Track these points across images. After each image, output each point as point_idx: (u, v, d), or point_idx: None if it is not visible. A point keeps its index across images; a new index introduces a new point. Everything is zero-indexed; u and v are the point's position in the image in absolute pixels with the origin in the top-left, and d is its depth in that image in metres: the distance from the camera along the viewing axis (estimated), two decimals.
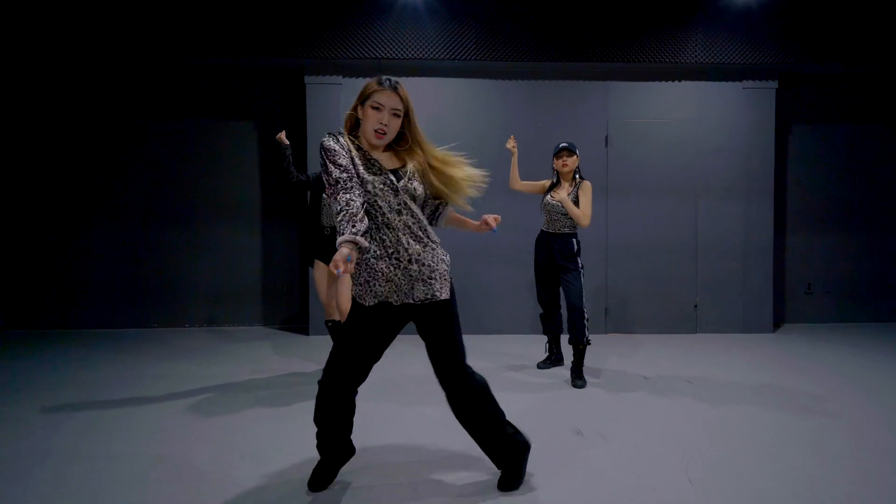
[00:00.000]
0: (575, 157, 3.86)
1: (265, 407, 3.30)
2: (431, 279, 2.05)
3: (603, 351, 4.78)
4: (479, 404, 2.15)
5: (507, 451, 2.21)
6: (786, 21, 5.38)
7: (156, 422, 3.05)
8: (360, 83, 5.40)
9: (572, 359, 3.83)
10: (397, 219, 2.04)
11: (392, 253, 2.03)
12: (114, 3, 5.12)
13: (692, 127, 5.57)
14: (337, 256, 1.76)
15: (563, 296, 4.07)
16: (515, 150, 4.00)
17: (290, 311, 5.99)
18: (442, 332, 2.09)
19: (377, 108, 1.99)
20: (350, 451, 2.29)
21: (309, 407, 3.22)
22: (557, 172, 3.94)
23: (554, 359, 4.25)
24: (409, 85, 5.62)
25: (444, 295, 2.08)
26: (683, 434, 2.87)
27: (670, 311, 5.59)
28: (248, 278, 5.95)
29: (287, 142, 4.07)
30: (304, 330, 5.69)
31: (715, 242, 5.60)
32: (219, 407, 3.29)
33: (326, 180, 1.97)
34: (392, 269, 2.04)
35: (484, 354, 4.62)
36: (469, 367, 2.15)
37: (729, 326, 5.60)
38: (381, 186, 2.01)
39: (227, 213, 5.91)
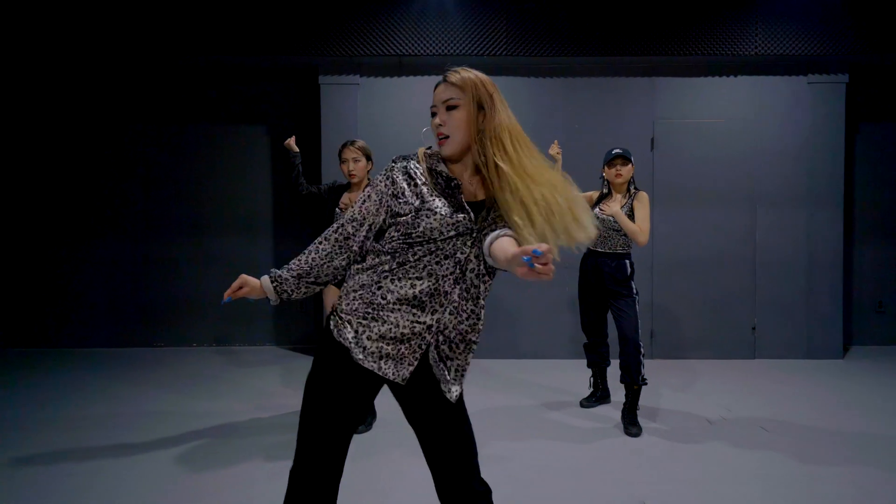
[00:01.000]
0: (630, 165, 3.31)
1: (264, 459, 2.82)
2: (455, 376, 1.49)
3: (653, 382, 4.21)
4: None
5: None
6: (857, 6, 4.75)
7: (141, 477, 2.59)
8: (378, 82, 4.95)
9: (625, 401, 3.28)
10: (451, 277, 1.45)
11: (420, 310, 1.45)
12: (121, 2, 4.73)
13: (750, 127, 4.97)
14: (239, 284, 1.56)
15: (610, 323, 3.54)
16: (560, 157, 3.45)
17: (305, 330, 5.54)
18: (455, 428, 1.50)
19: (434, 114, 1.51)
20: None
21: None
22: (608, 182, 3.39)
23: (600, 395, 3.71)
24: (432, 84, 5.13)
25: (458, 392, 1.52)
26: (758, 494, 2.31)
27: (725, 335, 4.99)
28: None
29: (296, 149, 3.61)
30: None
31: (776, 257, 4.99)
32: (215, 459, 2.83)
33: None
34: (409, 330, 1.46)
35: (517, 385, 4.09)
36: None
37: (792, 351, 4.98)
38: (451, 231, 1.43)
39: (236, 224, 5.49)
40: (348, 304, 1.50)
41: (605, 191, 3.44)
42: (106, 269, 5.42)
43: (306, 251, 1.54)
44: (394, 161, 1.53)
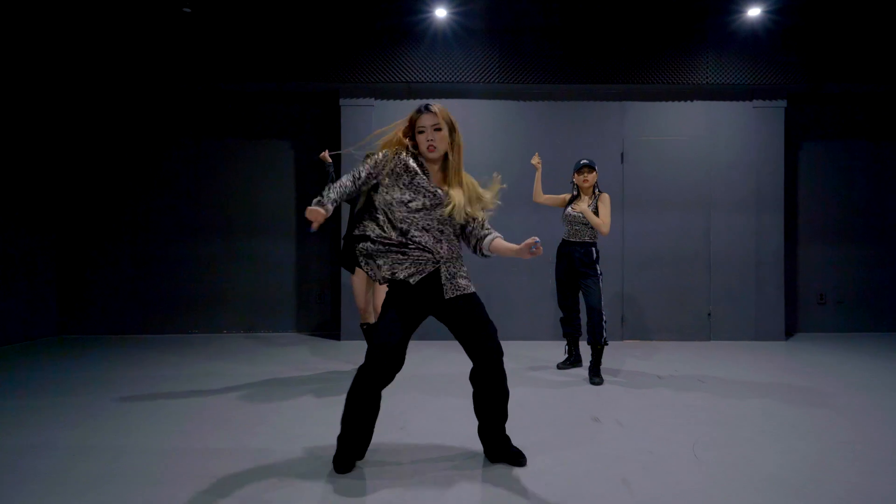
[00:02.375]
0: (594, 172, 4.19)
1: (314, 396, 3.63)
2: (458, 278, 2.43)
3: (620, 355, 5.05)
4: (500, 386, 2.45)
5: (503, 448, 2.53)
6: (792, 43, 5.69)
7: (214, 410, 3.39)
8: (391, 105, 5.82)
9: (591, 358, 4.11)
10: (439, 228, 2.41)
11: (420, 254, 2.37)
12: (164, 32, 5.61)
13: (704, 144, 5.87)
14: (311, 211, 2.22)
15: (582, 301, 4.38)
16: (539, 165, 4.34)
17: (322, 318, 6.34)
18: (478, 315, 2.42)
19: (422, 131, 2.40)
20: (369, 439, 2.52)
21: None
22: (577, 186, 4.26)
23: (573, 360, 4.53)
24: None
25: (472, 289, 2.45)
26: (693, 423, 3.13)
27: (685, 320, 5.84)
28: (283, 287, 6.33)
29: (330, 160, 4.42)
30: (335, 335, 6.03)
31: (727, 254, 5.86)
32: (271, 395, 3.63)
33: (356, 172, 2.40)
34: (417, 260, 2.37)
35: (507, 357, 4.91)
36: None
37: (742, 334, 5.83)
38: (424, 201, 2.37)
39: (263, 227, 6.31)
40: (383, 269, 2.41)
41: (574, 193, 4.31)
42: (150, 266, 6.23)
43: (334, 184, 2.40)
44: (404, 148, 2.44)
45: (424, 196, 2.36)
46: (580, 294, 4.37)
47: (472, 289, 2.46)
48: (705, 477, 2.39)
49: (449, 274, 2.41)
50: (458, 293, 2.41)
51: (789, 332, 6.17)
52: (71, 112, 6.17)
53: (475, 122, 5.86)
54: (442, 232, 2.41)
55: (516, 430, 2.82)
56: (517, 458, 2.51)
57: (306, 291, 6.35)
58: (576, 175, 4.24)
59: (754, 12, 5.54)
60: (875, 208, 6.32)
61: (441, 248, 2.39)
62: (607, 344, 4.10)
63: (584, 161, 4.21)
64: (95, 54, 5.64)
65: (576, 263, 4.18)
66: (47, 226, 6.07)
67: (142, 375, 4.24)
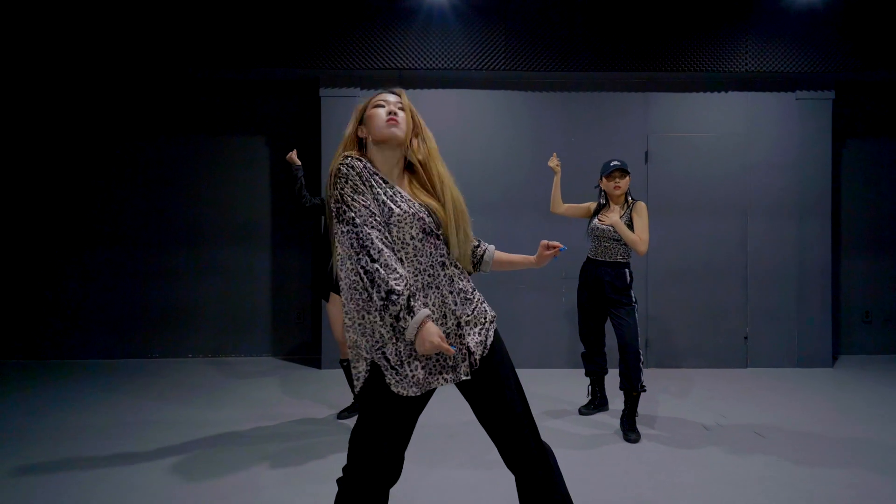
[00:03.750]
0: (628, 177, 3.41)
1: (271, 467, 2.85)
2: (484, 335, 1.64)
3: (650, 390, 4.29)
4: (558, 487, 1.68)
5: None
6: (844, 26, 4.92)
7: (145, 485, 2.60)
8: None
9: (624, 407, 3.34)
10: (441, 273, 1.61)
11: (437, 319, 1.59)
12: (116, 13, 4.77)
13: (740, 141, 5.10)
14: (434, 344, 1.48)
15: (607, 332, 3.62)
16: (559, 168, 3.54)
17: (302, 341, 5.55)
18: (504, 391, 1.64)
19: (381, 105, 1.68)
20: None
21: (321, 465, 2.77)
22: (606, 194, 3.48)
23: (598, 403, 3.77)
24: (433, 97, 5.19)
25: (491, 339, 1.66)
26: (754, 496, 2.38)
27: (718, 343, 5.09)
28: (257, 305, 5.53)
29: (298, 162, 3.68)
30: (315, 362, 5.24)
31: (766, 267, 5.10)
32: (219, 467, 2.85)
33: (338, 212, 1.56)
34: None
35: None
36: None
37: (783, 360, 5.08)
38: (417, 231, 1.60)
39: (235, 235, 5.51)
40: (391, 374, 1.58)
41: (602, 202, 3.53)
42: (103, 280, 5.41)
43: (375, 261, 1.54)
44: (348, 157, 1.63)
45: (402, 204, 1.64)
46: (606, 325, 3.60)
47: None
48: None
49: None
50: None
51: (834, 354, 5.43)
52: (14, 108, 5.33)
53: (477, 115, 5.06)
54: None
55: None
56: None
57: (284, 310, 5.55)
58: (604, 180, 3.45)
59: None
60: None
61: None
62: (645, 390, 3.32)
63: (615, 162, 3.42)
64: (43, 43, 4.79)
65: (605, 288, 3.40)
66: None
67: (70, 423, 3.43)
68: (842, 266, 5.61)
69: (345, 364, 3.57)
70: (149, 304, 5.44)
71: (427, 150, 1.71)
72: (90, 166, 5.40)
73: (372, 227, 1.53)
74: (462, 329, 1.60)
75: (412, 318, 1.49)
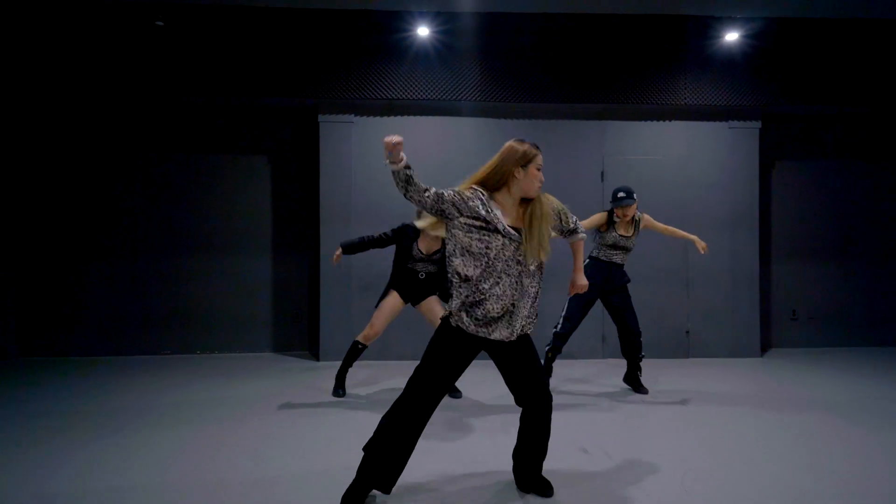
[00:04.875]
0: (635, 204, 4.30)
1: (275, 442, 3.52)
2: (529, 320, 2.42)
3: (604, 375, 5.06)
4: (547, 430, 2.53)
5: (535, 479, 2.57)
6: (767, 65, 5.82)
7: (191, 442, 3.26)
8: (371, 121, 5.75)
9: (631, 370, 4.50)
10: (515, 268, 2.32)
11: (509, 309, 2.32)
12: (140, 46, 5.44)
13: (682, 163, 5.95)
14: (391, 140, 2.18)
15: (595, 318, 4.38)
16: None
17: (300, 338, 6.21)
18: (534, 358, 2.44)
19: (540, 170, 2.43)
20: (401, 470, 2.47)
21: (330, 422, 3.47)
22: (614, 214, 4.35)
23: (549, 373, 4.52)
24: (418, 123, 5.98)
25: (527, 330, 2.42)
26: (681, 449, 3.13)
27: (664, 338, 5.89)
28: (260, 306, 6.18)
29: (339, 261, 4.19)
30: (314, 356, 5.91)
31: (704, 271, 5.94)
32: (244, 426, 3.52)
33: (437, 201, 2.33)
34: (504, 320, 2.32)
35: (484, 381, 4.88)
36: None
37: (719, 351, 5.91)
38: (512, 251, 2.31)
39: (239, 243, 6.16)
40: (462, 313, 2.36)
41: (615, 219, 4.35)
42: (118, 283, 6.01)
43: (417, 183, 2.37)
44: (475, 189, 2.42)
45: (508, 242, 2.34)
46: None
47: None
48: None
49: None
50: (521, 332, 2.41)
51: (764, 347, 6.28)
52: (38, 125, 5.93)
53: (457, 139, 5.83)
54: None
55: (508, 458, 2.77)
56: (545, 489, 2.57)
57: (283, 310, 6.22)
58: (616, 208, 4.31)
59: (731, 36, 5.66)
60: (844, 226, 6.49)
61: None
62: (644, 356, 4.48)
63: (624, 195, 4.24)
64: (69, 68, 5.43)
65: (614, 281, 4.35)
66: (5, 241, 5.82)
67: (102, 404, 4.06)
68: (772, 270, 6.48)
69: (360, 346, 4.22)
70: (161, 306, 6.05)
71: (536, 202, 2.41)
72: (111, 182, 6.01)
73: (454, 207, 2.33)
74: (513, 311, 2.32)
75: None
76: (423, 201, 2.31)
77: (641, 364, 4.55)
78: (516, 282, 2.29)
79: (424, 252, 4.10)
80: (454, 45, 5.62)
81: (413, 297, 4.23)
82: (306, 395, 4.35)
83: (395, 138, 2.17)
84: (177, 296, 6.08)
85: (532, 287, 2.35)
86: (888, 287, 6.52)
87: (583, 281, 2.76)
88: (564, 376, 5.00)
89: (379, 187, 5.75)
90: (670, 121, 5.96)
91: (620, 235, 4.35)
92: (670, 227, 4.56)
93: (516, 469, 2.62)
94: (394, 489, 2.50)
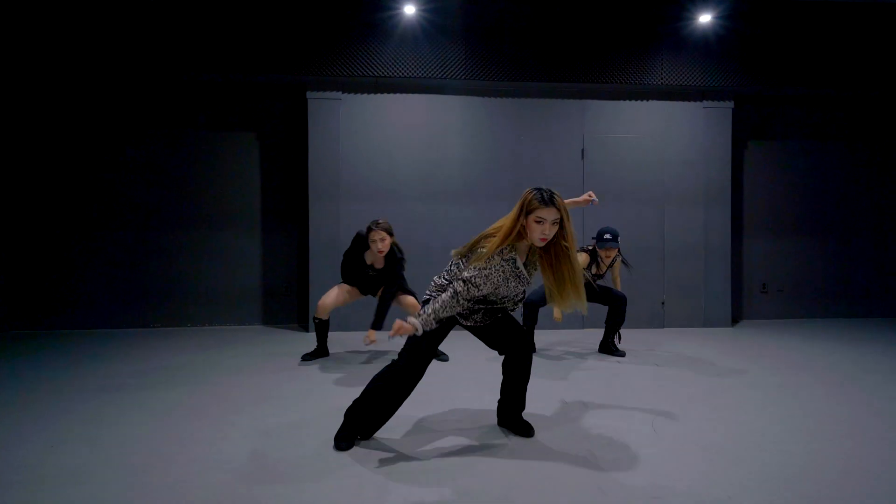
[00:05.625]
0: (617, 248, 4.56)
1: (281, 383, 3.71)
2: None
3: (582, 344, 5.30)
4: (528, 374, 2.79)
5: (516, 421, 2.83)
6: (740, 48, 6.06)
7: (188, 403, 3.43)
8: (358, 99, 5.87)
9: (609, 338, 4.79)
10: (512, 305, 2.65)
11: (492, 317, 2.65)
12: (131, 23, 5.50)
13: (658, 142, 6.18)
14: (405, 331, 2.35)
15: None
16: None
17: (288, 311, 6.37)
18: (513, 319, 2.75)
19: (539, 222, 2.38)
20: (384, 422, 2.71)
21: (320, 377, 3.66)
22: (597, 253, 4.61)
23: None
24: (405, 101, 6.12)
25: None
26: (653, 401, 3.38)
27: (640, 308, 6.16)
28: (249, 280, 6.32)
29: (374, 339, 4.07)
30: (303, 328, 6.08)
31: (679, 246, 6.20)
32: (238, 386, 3.69)
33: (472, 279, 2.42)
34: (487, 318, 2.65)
35: (464, 346, 5.09)
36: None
37: (692, 321, 6.20)
38: (516, 284, 2.50)
39: (228, 218, 6.27)
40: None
41: (597, 259, 4.62)
42: (109, 257, 6.10)
43: (440, 302, 2.42)
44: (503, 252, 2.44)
45: (520, 282, 2.51)
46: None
47: None
48: (661, 449, 2.62)
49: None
50: None
51: (735, 319, 6.59)
52: (26, 100, 5.96)
53: (442, 117, 5.98)
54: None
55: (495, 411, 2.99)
56: (527, 430, 2.79)
57: (273, 283, 6.36)
58: (599, 249, 4.54)
59: (705, 18, 5.87)
60: (812, 204, 6.80)
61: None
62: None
63: (608, 237, 4.49)
64: (55, 44, 5.47)
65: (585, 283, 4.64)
66: None
67: (98, 371, 4.20)
68: (743, 245, 6.77)
69: (317, 321, 4.51)
70: (152, 280, 6.15)
71: (559, 252, 2.44)
72: (100, 159, 6.07)
73: (454, 299, 2.43)
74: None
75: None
76: (463, 304, 2.46)
77: (621, 331, 4.81)
78: (509, 292, 2.56)
79: (371, 263, 4.38)
80: (440, 24, 5.76)
81: (368, 290, 4.54)
82: (295, 359, 4.52)
83: (395, 332, 2.34)
84: (167, 270, 6.19)
85: (521, 291, 2.61)
86: (853, 262, 6.86)
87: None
88: (544, 342, 5.23)
89: (366, 163, 5.90)
90: (648, 100, 6.17)
91: (594, 275, 4.66)
92: (616, 277, 4.94)
93: (500, 412, 2.85)
94: (379, 430, 2.70)
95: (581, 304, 2.47)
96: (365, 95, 5.90)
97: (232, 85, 6.17)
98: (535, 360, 4.56)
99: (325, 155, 5.84)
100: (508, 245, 2.42)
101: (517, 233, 2.41)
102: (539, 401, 3.36)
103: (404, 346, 2.58)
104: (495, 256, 2.39)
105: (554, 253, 2.45)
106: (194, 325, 6.21)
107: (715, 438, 2.76)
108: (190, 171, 6.21)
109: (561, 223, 2.40)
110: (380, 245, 4.17)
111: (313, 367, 4.28)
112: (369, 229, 4.18)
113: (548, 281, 2.49)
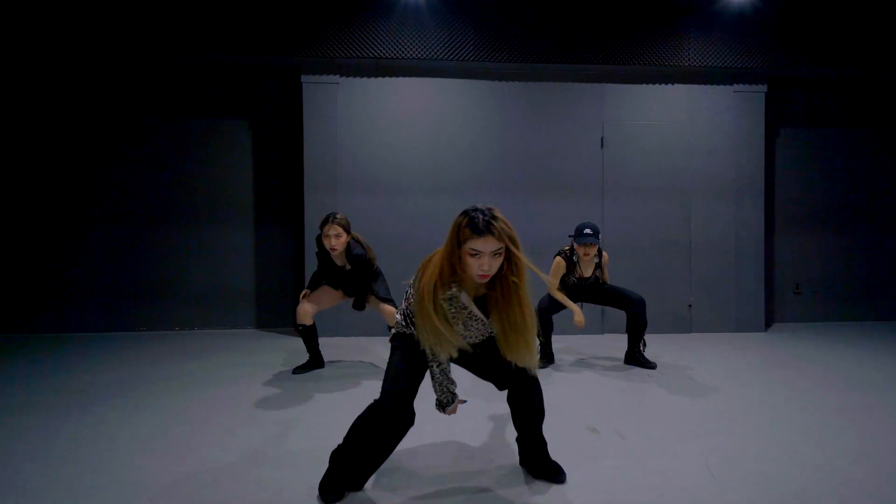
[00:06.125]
0: (597, 246, 4.03)
1: (268, 408, 3.24)
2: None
3: (604, 351, 4.81)
4: (534, 403, 2.23)
5: (542, 460, 2.31)
6: (776, 26, 5.51)
7: (139, 434, 2.96)
8: (358, 83, 5.38)
9: (634, 347, 4.26)
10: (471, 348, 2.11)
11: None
12: (110, 1, 5.01)
13: (685, 129, 5.66)
14: (450, 412, 2.15)
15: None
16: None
17: (284, 314, 5.90)
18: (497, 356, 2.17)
19: (475, 255, 1.84)
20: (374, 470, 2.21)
21: (312, 406, 3.19)
22: (574, 252, 4.12)
23: (549, 358, 4.28)
24: (408, 85, 5.61)
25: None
26: (694, 428, 2.89)
27: (665, 312, 5.65)
28: (241, 279, 5.85)
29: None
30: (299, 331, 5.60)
31: (707, 243, 5.69)
32: (222, 406, 3.22)
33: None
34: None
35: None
36: None
37: (722, 326, 5.69)
38: (477, 325, 2.08)
39: (219, 213, 5.80)
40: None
41: (574, 259, 4.12)
42: (92, 257, 5.64)
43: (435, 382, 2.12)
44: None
45: (480, 322, 2.08)
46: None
47: None
48: (735, 499, 2.13)
49: None
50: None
51: (766, 322, 6.07)
52: (4, 90, 5.50)
53: (448, 102, 5.48)
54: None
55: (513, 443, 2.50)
56: (554, 473, 2.28)
57: (266, 284, 5.89)
58: (576, 245, 4.03)
59: None
60: (850, 198, 6.26)
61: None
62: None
63: (588, 231, 3.96)
64: (35, 28, 4.98)
65: (591, 285, 4.24)
66: None
67: (79, 381, 3.74)
68: (775, 243, 6.24)
69: (301, 328, 4.02)
70: (136, 279, 5.69)
71: (506, 289, 1.92)
72: (82, 148, 5.60)
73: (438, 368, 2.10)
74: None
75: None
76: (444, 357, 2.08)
77: (645, 338, 4.30)
78: (471, 337, 2.12)
79: (340, 264, 3.89)
80: (446, 1, 5.24)
81: (348, 289, 4.04)
82: (288, 369, 4.05)
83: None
84: (153, 269, 5.72)
85: (487, 333, 2.13)
86: (894, 260, 6.32)
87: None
88: (561, 352, 4.74)
89: (366, 153, 5.41)
90: (673, 84, 5.65)
91: (578, 279, 4.15)
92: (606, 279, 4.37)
93: (521, 455, 2.37)
94: (381, 474, 2.22)
95: (531, 361, 2.00)
96: (365, 79, 5.40)
97: (220, 69, 5.68)
98: (552, 373, 4.07)
99: (321, 144, 5.35)
100: (444, 282, 1.91)
101: (451, 267, 1.90)
102: (563, 430, 2.87)
103: (385, 374, 2.10)
104: (426, 303, 1.89)
105: (500, 289, 1.93)
106: (182, 329, 5.75)
107: (793, 487, 2.27)
108: (176, 163, 5.74)
109: (507, 253, 1.88)
110: (333, 241, 3.69)
111: (307, 382, 3.81)
112: (324, 222, 3.70)
113: (494, 325, 2.00)
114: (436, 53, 5.29)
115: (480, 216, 1.84)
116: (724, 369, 4.18)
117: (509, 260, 1.90)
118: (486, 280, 1.89)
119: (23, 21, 4.98)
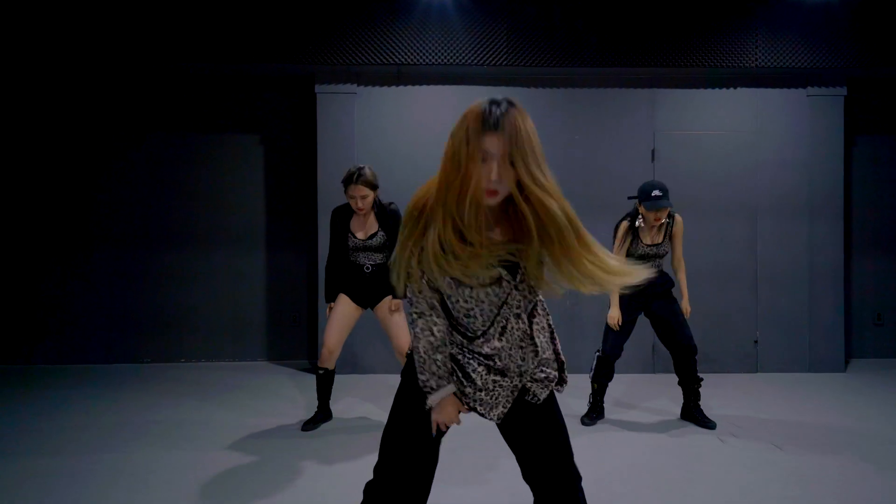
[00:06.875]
0: (668, 209, 3.36)
1: (265, 469, 2.69)
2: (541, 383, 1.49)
3: (659, 397, 4.15)
4: None
5: None
6: (857, 20, 4.77)
7: (148, 482, 2.44)
8: (376, 92, 4.86)
9: (689, 401, 3.58)
10: (514, 327, 1.45)
11: (497, 367, 1.45)
12: (109, 7, 4.61)
13: (749, 139, 4.95)
14: (441, 419, 1.44)
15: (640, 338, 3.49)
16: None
17: (298, 345, 5.39)
18: (549, 433, 1.49)
19: (484, 160, 1.32)
20: None
21: (323, 469, 2.62)
22: (644, 218, 3.40)
23: (600, 411, 3.64)
24: (432, 93, 5.01)
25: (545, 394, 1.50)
26: None
27: (727, 348, 4.94)
28: (252, 308, 5.37)
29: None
30: (312, 366, 5.09)
31: (776, 269, 4.95)
32: (215, 470, 2.69)
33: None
34: (491, 382, 1.45)
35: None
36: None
37: (794, 365, 4.94)
38: (488, 294, 1.43)
39: (228, 235, 5.34)
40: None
41: (639, 224, 3.40)
42: (92, 282, 5.24)
43: (418, 351, 1.45)
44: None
45: (499, 286, 1.49)
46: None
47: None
48: None
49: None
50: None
51: (845, 357, 5.28)
52: None
53: None
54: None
55: None
56: None
57: (278, 313, 5.39)
58: (644, 208, 3.33)
59: None
60: None
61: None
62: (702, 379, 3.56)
63: (658, 192, 3.27)
64: (33, 39, 4.61)
65: (657, 289, 3.44)
66: None
67: (73, 423, 3.27)
68: (852, 267, 5.46)
69: (322, 372, 3.46)
70: (140, 307, 5.27)
71: (533, 205, 1.38)
72: (80, 165, 5.23)
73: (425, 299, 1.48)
74: (521, 377, 1.46)
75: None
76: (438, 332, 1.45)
77: (700, 389, 3.60)
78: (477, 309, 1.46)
79: (361, 237, 3.27)
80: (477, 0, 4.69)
81: (365, 298, 3.40)
82: (302, 411, 3.51)
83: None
84: (158, 296, 5.29)
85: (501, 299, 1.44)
86: None
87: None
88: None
89: (386, 169, 4.85)
90: (735, 88, 4.95)
91: (648, 245, 3.41)
92: (681, 262, 3.58)
93: None
94: None
95: (616, 278, 1.39)
96: (385, 88, 4.87)
97: (229, 80, 5.24)
98: (595, 430, 3.43)
99: (336, 160, 4.82)
100: (446, 211, 1.33)
101: (462, 186, 1.31)
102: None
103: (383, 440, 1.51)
104: (409, 243, 1.37)
105: (524, 212, 1.34)
106: (188, 361, 5.30)
107: None
108: (183, 182, 5.30)
109: (523, 159, 1.31)
110: (359, 202, 3.15)
111: (317, 440, 3.26)
112: (347, 180, 3.14)
113: (527, 258, 1.40)
114: (464, 58, 4.72)
115: (497, 106, 1.32)
116: (802, 424, 3.46)
117: (520, 167, 1.31)
118: (495, 199, 1.33)
119: (21, 27, 4.60)
